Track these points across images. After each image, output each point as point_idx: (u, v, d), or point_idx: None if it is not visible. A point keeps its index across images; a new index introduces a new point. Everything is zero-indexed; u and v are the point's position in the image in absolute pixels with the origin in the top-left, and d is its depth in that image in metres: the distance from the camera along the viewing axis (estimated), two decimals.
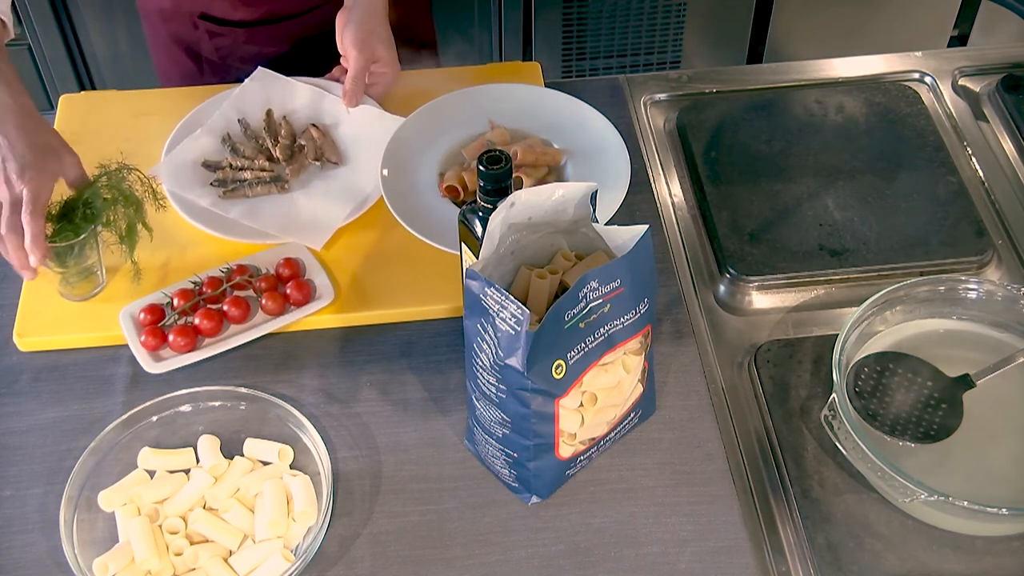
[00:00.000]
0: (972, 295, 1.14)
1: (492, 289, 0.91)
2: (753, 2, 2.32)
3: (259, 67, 1.41)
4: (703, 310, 1.21)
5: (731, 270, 1.23)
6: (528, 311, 0.89)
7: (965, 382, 1.07)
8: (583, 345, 0.94)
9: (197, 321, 1.15)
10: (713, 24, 2.36)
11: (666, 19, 2.33)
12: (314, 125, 1.35)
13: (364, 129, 1.35)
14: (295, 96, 1.40)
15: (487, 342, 0.94)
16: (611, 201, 1.20)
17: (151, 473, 1.06)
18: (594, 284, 0.92)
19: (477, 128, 1.33)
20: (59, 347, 1.17)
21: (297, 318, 1.17)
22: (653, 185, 1.33)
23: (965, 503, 0.96)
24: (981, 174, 1.35)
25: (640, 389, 1.05)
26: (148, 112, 1.41)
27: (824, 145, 1.36)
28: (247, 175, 1.30)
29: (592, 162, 1.28)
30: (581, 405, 0.99)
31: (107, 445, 1.07)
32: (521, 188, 1.02)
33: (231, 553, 1.00)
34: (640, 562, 1.00)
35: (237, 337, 1.15)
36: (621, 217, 1.22)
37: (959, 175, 1.32)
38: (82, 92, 1.44)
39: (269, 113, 1.37)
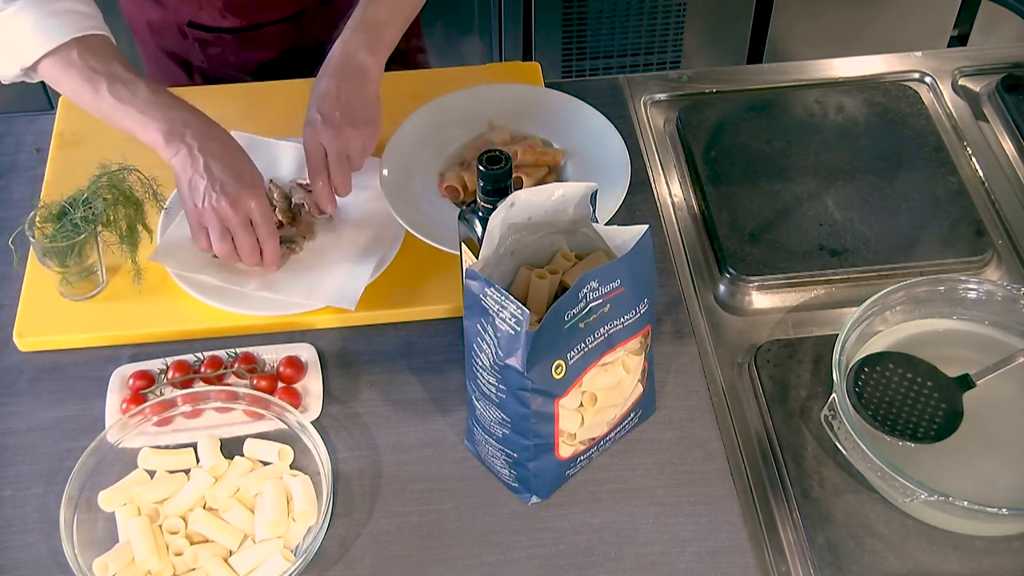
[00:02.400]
0: (972, 295, 1.14)
1: (492, 289, 0.91)
2: (753, 2, 2.32)
3: (232, 133, 1.29)
4: (703, 310, 1.21)
5: (731, 270, 1.23)
6: (528, 311, 0.89)
7: (965, 382, 1.07)
8: (583, 345, 0.94)
9: (180, 402, 1.09)
10: (713, 24, 2.36)
11: (666, 19, 2.33)
12: (298, 183, 1.26)
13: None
14: (276, 157, 1.30)
15: (487, 342, 0.94)
16: (611, 201, 1.20)
17: (151, 473, 1.06)
18: (594, 284, 0.92)
19: (477, 128, 1.33)
20: (59, 347, 1.17)
21: (267, 429, 1.09)
22: (653, 185, 1.33)
23: (965, 503, 0.96)
24: (981, 174, 1.35)
25: (640, 389, 1.05)
26: None
27: (824, 145, 1.36)
28: None
29: (592, 162, 1.28)
30: (581, 405, 0.99)
31: (107, 445, 1.06)
32: (521, 188, 1.02)
33: (231, 553, 1.00)
34: (640, 562, 1.00)
35: (210, 430, 1.09)
36: (621, 217, 1.22)
37: (959, 175, 1.32)
38: None
39: None
